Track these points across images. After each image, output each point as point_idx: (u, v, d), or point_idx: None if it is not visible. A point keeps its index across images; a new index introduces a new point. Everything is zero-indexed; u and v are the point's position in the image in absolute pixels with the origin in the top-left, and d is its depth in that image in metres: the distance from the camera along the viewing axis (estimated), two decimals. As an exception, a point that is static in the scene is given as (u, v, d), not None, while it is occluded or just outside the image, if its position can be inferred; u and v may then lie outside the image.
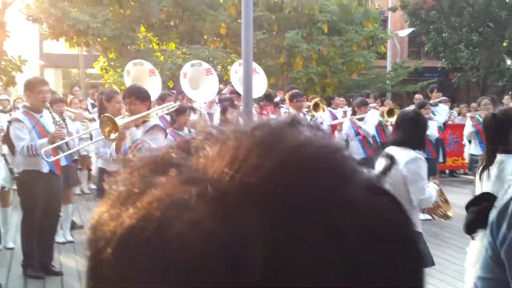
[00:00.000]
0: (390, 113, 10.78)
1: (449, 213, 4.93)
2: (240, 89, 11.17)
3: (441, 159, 10.79)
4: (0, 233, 7.76)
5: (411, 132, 4.52)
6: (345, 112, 10.82)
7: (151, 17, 19.35)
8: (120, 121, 5.53)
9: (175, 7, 19.97)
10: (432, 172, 10.01)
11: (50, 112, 6.51)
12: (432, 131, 9.79)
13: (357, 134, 9.48)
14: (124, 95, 5.99)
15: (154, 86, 11.27)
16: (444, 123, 12.32)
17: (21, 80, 30.62)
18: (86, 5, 18.89)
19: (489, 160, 3.80)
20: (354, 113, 9.73)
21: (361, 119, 9.53)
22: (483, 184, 3.84)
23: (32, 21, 19.04)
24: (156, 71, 11.83)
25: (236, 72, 11.57)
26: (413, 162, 4.44)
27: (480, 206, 3.39)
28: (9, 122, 6.41)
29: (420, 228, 4.57)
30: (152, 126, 5.77)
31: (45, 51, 34.37)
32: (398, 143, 4.53)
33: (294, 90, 9.44)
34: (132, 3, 19.49)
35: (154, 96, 11.22)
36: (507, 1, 26.27)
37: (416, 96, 15.65)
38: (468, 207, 3.51)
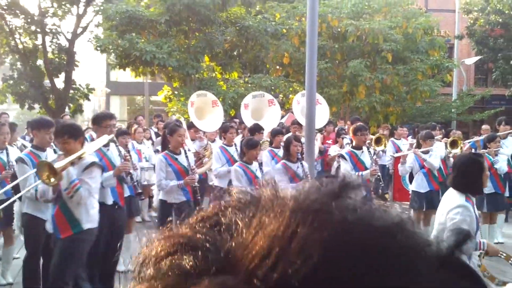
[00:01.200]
0: (454, 144, 10.48)
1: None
2: (302, 120, 11.14)
3: (507, 194, 10.34)
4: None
5: (467, 176, 4.43)
6: (411, 145, 10.58)
7: (215, 47, 19.65)
8: (57, 164, 5.32)
9: (238, 37, 20.21)
10: (500, 207, 9.64)
11: (117, 146, 6.63)
12: (502, 165, 9.45)
13: (422, 167, 9.22)
14: (56, 134, 5.78)
15: (216, 117, 11.42)
16: (512, 156, 11.87)
17: (88, 107, 31.58)
18: (152, 36, 19.38)
19: None
20: (418, 145, 9.48)
21: (426, 152, 9.27)
22: None
23: (100, 51, 19.63)
24: (219, 102, 11.95)
25: (298, 102, 11.54)
26: (457, 208, 4.38)
27: None
28: (77, 155, 6.55)
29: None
30: (90, 164, 5.60)
31: (112, 79, 35.40)
32: (453, 185, 4.49)
33: (358, 123, 9.27)
34: (197, 33, 19.86)
35: (216, 126, 11.37)
36: None
37: (483, 127, 15.13)
38: None
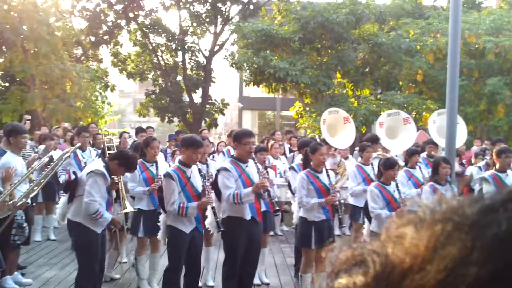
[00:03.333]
0: None
1: None
2: (438, 140, 10.87)
3: None
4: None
5: None
6: None
7: (347, 64, 19.66)
8: None
9: (371, 54, 20.09)
10: None
11: (255, 162, 6.86)
12: None
13: None
14: None
15: (348, 134, 11.42)
16: None
17: (220, 121, 32.58)
18: (286, 53, 19.78)
19: None
20: None
21: None
22: None
23: (236, 68, 20.32)
24: (351, 118, 11.95)
25: (434, 122, 11.25)
26: None
27: None
28: (218, 171, 6.87)
29: None
30: None
31: (244, 94, 36.38)
32: None
33: (502, 146, 8.84)
34: (329, 51, 19.99)
35: (348, 143, 11.37)
36: None
37: None
38: None
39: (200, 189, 6.58)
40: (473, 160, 12.37)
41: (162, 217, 6.75)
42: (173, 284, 6.60)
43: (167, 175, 6.48)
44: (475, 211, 0.55)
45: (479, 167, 10.54)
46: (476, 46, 19.84)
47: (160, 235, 6.81)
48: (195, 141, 6.72)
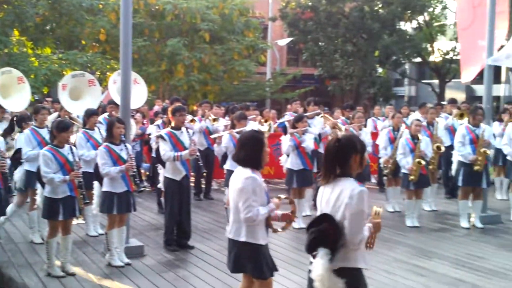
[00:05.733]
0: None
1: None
2: (118, 100, 10.95)
3: (315, 169, 11.12)
4: None
5: (247, 152, 4.64)
6: (226, 126, 10.91)
7: (25, 21, 18.48)
8: None
9: (51, 11, 19.20)
10: (308, 183, 10.33)
11: None
12: (308, 143, 10.06)
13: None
14: None
15: (23, 95, 10.81)
16: (319, 134, 12.74)
17: None
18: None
19: (327, 183, 3.91)
20: (233, 126, 9.80)
21: (239, 132, 9.60)
22: (322, 205, 3.93)
23: None
24: (25, 78, 11.32)
25: (115, 82, 11.25)
26: (245, 180, 4.57)
27: (320, 226, 3.62)
28: None
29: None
30: None
31: None
32: (238, 161, 4.69)
33: (177, 104, 9.22)
34: (5, 6, 18.51)
35: (24, 105, 10.76)
36: (380, 14, 27.71)
37: (289, 107, 16.13)
38: (309, 227, 3.71)
39: None
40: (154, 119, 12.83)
41: None
42: None
43: None
44: None
45: (158, 125, 10.97)
46: (157, 7, 20.47)
47: None
48: None
